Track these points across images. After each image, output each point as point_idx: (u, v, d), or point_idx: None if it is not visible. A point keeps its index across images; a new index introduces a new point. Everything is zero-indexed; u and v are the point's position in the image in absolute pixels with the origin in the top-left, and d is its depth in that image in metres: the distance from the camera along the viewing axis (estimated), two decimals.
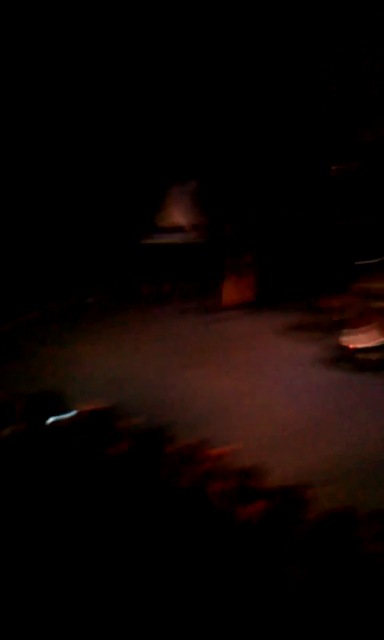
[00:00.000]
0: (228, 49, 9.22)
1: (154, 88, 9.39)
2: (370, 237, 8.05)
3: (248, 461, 4.77)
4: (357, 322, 7.51)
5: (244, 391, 6.78)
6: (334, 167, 8.36)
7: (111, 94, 9.31)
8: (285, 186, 8.81)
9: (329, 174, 8.38)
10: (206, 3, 9.15)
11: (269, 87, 9.24)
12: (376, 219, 8.09)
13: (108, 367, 7.20)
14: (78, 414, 5.32)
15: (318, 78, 9.03)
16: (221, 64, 9.28)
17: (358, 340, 7.41)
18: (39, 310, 8.57)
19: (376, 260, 7.70)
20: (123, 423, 5.36)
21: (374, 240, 8.02)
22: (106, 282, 9.00)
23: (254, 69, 9.23)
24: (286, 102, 9.18)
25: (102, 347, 7.66)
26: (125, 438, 4.84)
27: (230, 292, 8.69)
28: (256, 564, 3.93)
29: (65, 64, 8.99)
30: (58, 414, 5.15)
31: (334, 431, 6.12)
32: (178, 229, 8.68)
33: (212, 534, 4.25)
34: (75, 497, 4.46)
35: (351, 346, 7.39)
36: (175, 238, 8.56)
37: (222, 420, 6.22)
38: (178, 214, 8.71)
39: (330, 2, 8.86)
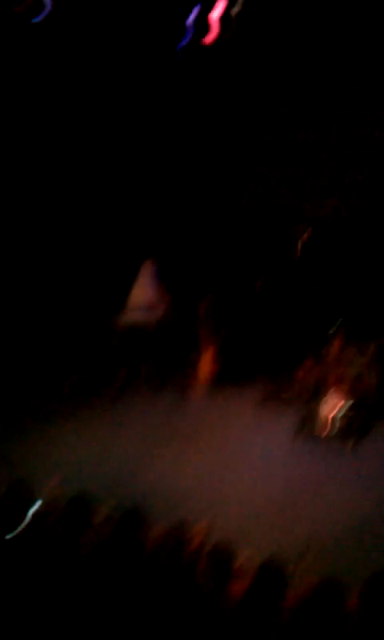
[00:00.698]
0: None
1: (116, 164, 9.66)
2: (334, 304, 8.20)
3: (226, 539, 4.72)
4: (327, 391, 7.57)
5: (220, 470, 6.79)
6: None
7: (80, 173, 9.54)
8: (254, 260, 8.99)
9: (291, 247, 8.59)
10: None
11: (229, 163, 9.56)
12: (336, 288, 8.26)
13: (83, 452, 7.15)
14: (50, 502, 5.27)
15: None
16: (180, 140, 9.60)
17: (330, 408, 7.45)
18: (13, 397, 8.53)
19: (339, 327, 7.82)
20: (100, 509, 5.33)
21: (338, 307, 8.17)
22: (81, 365, 9.00)
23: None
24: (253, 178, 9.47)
25: (77, 432, 7.59)
26: (101, 524, 4.79)
27: (206, 367, 8.73)
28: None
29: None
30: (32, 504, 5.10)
31: (309, 504, 6.16)
32: (150, 307, 8.76)
33: (202, 615, 4.21)
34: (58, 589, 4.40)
35: (323, 415, 7.43)
36: (148, 317, 8.63)
37: (197, 501, 6.18)
38: (149, 292, 8.82)
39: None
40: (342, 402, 7.45)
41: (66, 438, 7.37)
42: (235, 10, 8.42)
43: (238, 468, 6.74)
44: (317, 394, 7.81)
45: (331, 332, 7.72)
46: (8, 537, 4.64)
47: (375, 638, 3.69)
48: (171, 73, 9.20)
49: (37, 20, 8.44)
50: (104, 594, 4.30)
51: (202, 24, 8.53)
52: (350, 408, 7.41)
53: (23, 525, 4.85)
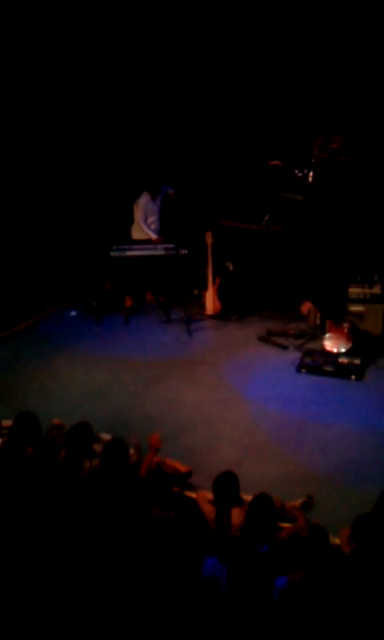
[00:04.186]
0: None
1: (123, 99, 9.47)
2: (343, 246, 8.13)
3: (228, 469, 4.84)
4: (333, 328, 7.59)
5: (225, 400, 6.86)
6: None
7: (84, 109, 9.38)
8: (263, 195, 8.89)
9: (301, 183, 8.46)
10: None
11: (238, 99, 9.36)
12: (345, 228, 8.18)
13: (90, 381, 7.26)
14: (54, 430, 5.40)
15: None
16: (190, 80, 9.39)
17: (335, 345, 7.49)
18: (22, 324, 8.61)
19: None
20: (102, 437, 5.46)
21: (348, 248, 8.12)
22: (89, 294, 9.05)
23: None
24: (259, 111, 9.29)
25: (84, 360, 7.69)
26: (98, 454, 4.90)
27: (212, 300, 8.75)
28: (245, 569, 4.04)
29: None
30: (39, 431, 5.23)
31: (311, 437, 6.22)
32: (158, 239, 8.72)
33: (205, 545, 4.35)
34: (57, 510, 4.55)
35: (328, 351, 7.48)
36: (156, 249, 8.59)
37: (201, 431, 6.32)
38: (138, 222, 8.77)
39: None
40: (345, 338, 7.49)
41: (69, 373, 7.43)
42: None
43: (237, 404, 6.79)
44: (320, 331, 7.87)
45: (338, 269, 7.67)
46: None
47: (361, 572, 3.83)
48: None
49: None
50: (103, 518, 4.44)
51: None
52: (353, 344, 7.45)
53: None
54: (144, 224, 8.71)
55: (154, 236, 8.70)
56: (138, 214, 8.74)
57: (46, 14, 8.86)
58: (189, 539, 4.39)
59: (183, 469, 5.45)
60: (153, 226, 8.77)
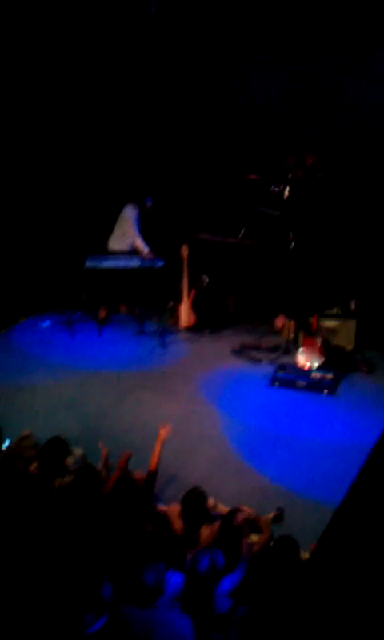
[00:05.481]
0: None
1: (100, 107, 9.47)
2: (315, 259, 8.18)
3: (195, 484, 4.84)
4: (307, 342, 7.63)
5: (197, 413, 6.85)
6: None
7: (64, 119, 9.35)
8: (238, 210, 8.90)
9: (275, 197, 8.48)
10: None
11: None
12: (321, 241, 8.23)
13: (61, 392, 7.21)
14: (24, 441, 5.35)
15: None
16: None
17: (308, 359, 7.53)
18: None
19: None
20: (75, 452, 5.41)
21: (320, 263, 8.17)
22: (63, 304, 9.00)
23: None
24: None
25: (55, 371, 7.64)
26: (70, 469, 4.87)
27: (187, 313, 8.76)
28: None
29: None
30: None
31: (282, 450, 6.23)
32: (133, 251, 8.70)
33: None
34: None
35: (300, 366, 7.52)
36: (130, 261, 8.58)
37: (173, 443, 6.08)
38: (133, 236, 8.73)
39: None
40: (318, 353, 7.53)
41: (40, 384, 7.34)
42: None
43: (209, 416, 6.79)
44: (294, 345, 7.91)
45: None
46: None
47: (324, 588, 3.81)
48: None
49: None
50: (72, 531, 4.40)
51: None
52: (326, 359, 7.50)
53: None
54: (139, 237, 8.61)
55: (146, 249, 8.58)
56: (131, 228, 8.60)
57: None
58: (159, 552, 4.36)
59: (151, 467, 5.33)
60: (132, 239, 8.67)
